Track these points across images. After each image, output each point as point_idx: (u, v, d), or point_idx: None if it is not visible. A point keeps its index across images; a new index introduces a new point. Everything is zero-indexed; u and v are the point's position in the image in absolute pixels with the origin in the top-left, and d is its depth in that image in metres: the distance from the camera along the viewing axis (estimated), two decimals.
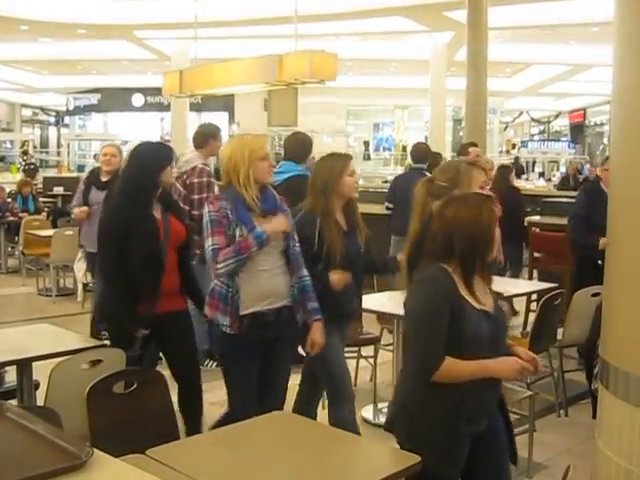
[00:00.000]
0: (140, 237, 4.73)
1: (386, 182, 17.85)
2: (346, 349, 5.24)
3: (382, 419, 5.61)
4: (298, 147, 7.20)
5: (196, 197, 6.92)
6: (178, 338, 4.98)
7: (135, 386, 3.82)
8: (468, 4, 15.13)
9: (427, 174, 9.17)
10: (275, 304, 4.35)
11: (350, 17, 18.89)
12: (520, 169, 23.96)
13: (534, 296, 7.98)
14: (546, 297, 6.05)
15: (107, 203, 6.17)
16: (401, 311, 3.55)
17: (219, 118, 32.08)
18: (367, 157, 33.68)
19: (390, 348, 6.29)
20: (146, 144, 5.29)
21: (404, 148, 32.44)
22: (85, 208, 7.75)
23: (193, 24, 14.58)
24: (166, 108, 26.15)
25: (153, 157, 4.94)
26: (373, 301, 5.83)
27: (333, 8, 17.87)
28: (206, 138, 7.29)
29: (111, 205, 5.22)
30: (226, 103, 29.56)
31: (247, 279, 4.27)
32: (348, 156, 5.02)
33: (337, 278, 4.68)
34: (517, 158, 27.60)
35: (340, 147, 29.81)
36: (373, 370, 6.74)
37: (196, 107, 27.12)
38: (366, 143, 34.37)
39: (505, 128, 37.43)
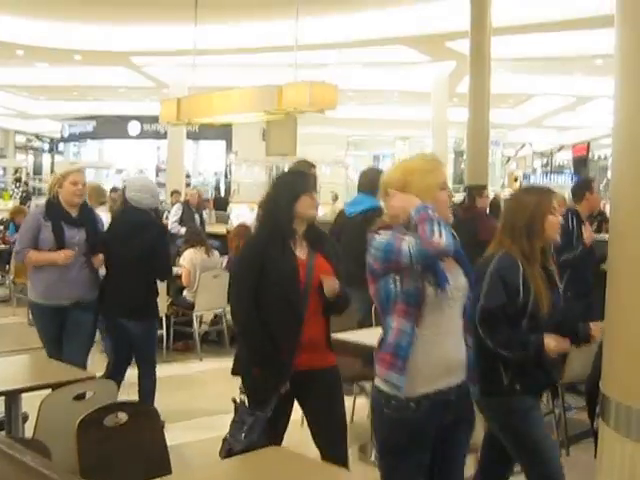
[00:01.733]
0: (274, 279, 4.20)
1: None
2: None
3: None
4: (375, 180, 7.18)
5: None
6: (321, 400, 4.35)
7: (127, 419, 3.73)
8: (471, 35, 14.94)
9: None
10: (459, 378, 3.50)
11: (351, 46, 18.71)
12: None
13: None
14: None
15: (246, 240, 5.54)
16: None
17: (217, 147, 31.99)
18: None
19: None
20: (285, 173, 4.90)
21: None
22: (69, 251, 6.13)
23: (192, 51, 14.32)
24: (163, 136, 25.96)
25: (287, 186, 4.42)
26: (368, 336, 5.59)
27: (334, 38, 17.66)
28: None
29: (247, 242, 4.74)
30: (224, 132, 29.39)
31: (427, 345, 3.38)
32: (551, 191, 4.34)
33: (555, 345, 3.91)
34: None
35: (339, 178, 29.61)
36: (370, 407, 6.42)
37: (193, 136, 26.96)
38: None
39: (507, 161, 37.22)
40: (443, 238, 3.17)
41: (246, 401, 4.29)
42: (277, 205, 4.31)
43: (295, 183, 4.42)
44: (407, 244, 3.23)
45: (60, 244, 6.14)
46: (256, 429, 4.13)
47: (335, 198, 23.64)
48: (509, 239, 4.06)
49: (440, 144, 22.43)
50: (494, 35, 15.01)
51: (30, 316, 6.81)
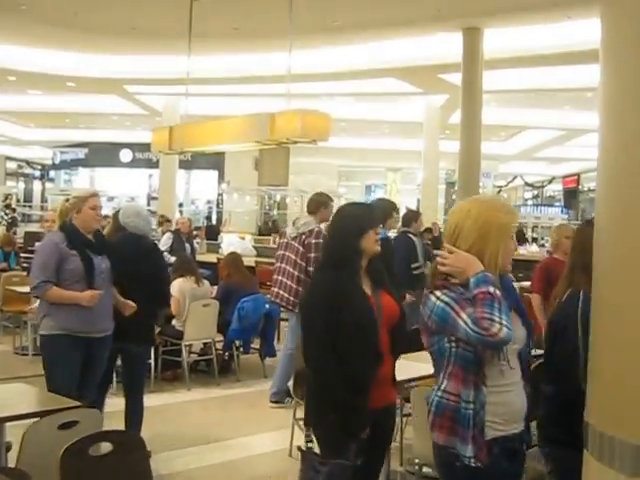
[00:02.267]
0: (353, 318, 3.90)
1: None
2: None
3: None
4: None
5: (312, 255, 7.72)
6: (386, 440, 4.25)
7: (112, 449, 3.62)
8: (463, 67, 15.06)
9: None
10: (520, 427, 3.33)
11: (344, 78, 18.81)
12: (522, 235, 23.46)
13: None
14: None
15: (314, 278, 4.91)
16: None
17: (209, 176, 32.02)
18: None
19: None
20: (348, 206, 4.54)
21: (397, 210, 32.16)
22: (96, 293, 5.58)
23: (185, 80, 14.34)
24: (155, 165, 25.97)
25: (354, 220, 4.12)
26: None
27: (327, 68, 17.75)
28: (318, 206, 8.14)
29: (316, 282, 4.29)
30: (216, 161, 29.46)
31: (496, 392, 3.21)
32: None
33: None
34: (519, 224, 27.08)
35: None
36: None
37: (185, 164, 26.98)
38: None
39: (499, 192, 37.34)
40: (503, 329, 3.01)
41: (316, 448, 4.00)
42: (345, 241, 4.04)
43: (361, 217, 4.16)
44: (464, 323, 3.07)
45: (91, 276, 5.68)
46: (337, 477, 3.85)
47: None
48: (585, 277, 3.62)
49: (431, 175, 22.48)
50: (486, 68, 15.13)
51: (40, 348, 6.13)
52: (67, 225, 5.75)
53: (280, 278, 7.89)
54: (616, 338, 3.07)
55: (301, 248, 7.85)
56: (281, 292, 7.85)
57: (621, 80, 2.80)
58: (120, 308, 5.95)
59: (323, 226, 8.00)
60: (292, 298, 7.72)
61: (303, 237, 7.88)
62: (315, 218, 8.06)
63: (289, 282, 7.79)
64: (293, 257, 7.81)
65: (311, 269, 7.57)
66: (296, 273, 7.75)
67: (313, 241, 7.81)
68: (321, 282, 4.10)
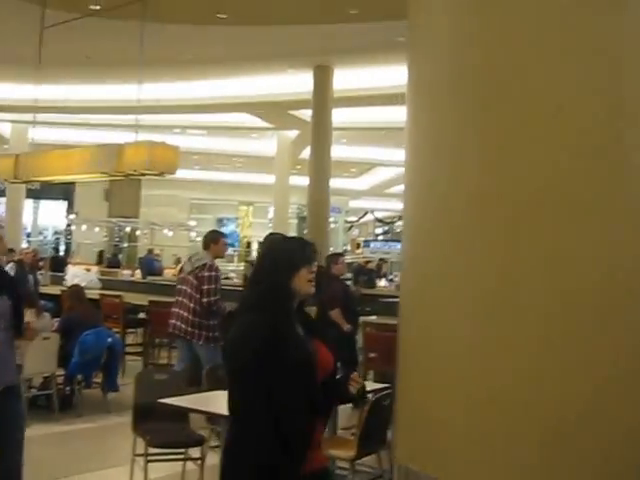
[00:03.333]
0: (290, 369, 3.31)
1: (227, 278, 17.45)
2: (172, 450, 5.08)
3: None
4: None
5: (205, 287, 8.29)
6: None
7: None
8: (313, 104, 15.30)
9: None
10: None
11: (196, 110, 18.80)
12: (380, 270, 23.80)
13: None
14: (375, 397, 5.80)
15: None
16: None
17: (58, 206, 31.34)
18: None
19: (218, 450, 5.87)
20: (279, 240, 4.07)
21: (248, 244, 32.23)
22: None
23: (32, 108, 14.05)
24: (1, 193, 25.20)
25: (286, 255, 3.58)
26: (202, 400, 5.61)
27: (179, 101, 17.73)
28: (208, 242, 8.66)
29: (242, 324, 3.52)
30: (66, 191, 28.86)
31: None
32: None
33: None
34: (381, 259, 27.30)
35: (182, 241, 29.43)
36: (200, 473, 6.29)
37: (34, 194, 26.28)
38: None
39: (350, 228, 37.92)
40: None
41: None
42: (276, 279, 3.50)
43: (294, 253, 3.59)
44: None
45: None
46: None
47: (177, 262, 23.40)
48: None
49: (282, 210, 22.71)
50: (336, 105, 15.43)
51: None
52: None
53: (177, 310, 8.42)
54: (420, 376, 3.15)
55: (195, 281, 8.37)
56: (178, 323, 8.35)
57: (422, 123, 2.94)
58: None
59: (216, 261, 8.79)
60: (189, 328, 8.27)
61: (197, 271, 8.41)
62: (208, 253, 8.60)
63: (185, 314, 8.31)
64: (189, 290, 8.34)
65: (205, 300, 8.25)
66: (191, 305, 8.28)
67: (206, 274, 8.37)
68: (251, 324, 3.44)
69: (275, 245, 3.85)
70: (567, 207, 2.89)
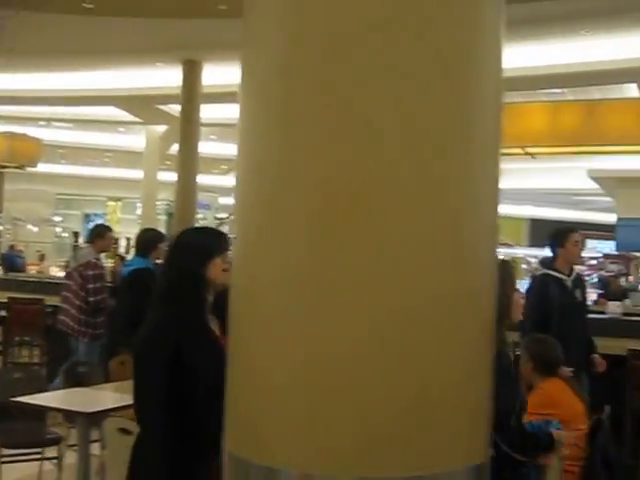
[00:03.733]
0: (202, 369, 3.16)
1: None
2: (28, 451, 5.16)
3: None
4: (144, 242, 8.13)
5: (91, 286, 8.15)
6: None
7: None
8: (182, 99, 15.17)
9: None
10: None
11: (61, 102, 18.33)
12: None
13: None
14: None
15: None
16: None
17: None
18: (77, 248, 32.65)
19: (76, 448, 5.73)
20: (190, 230, 4.02)
21: (116, 241, 31.72)
22: None
23: None
24: None
25: (196, 244, 3.53)
26: (59, 398, 5.60)
27: (42, 91, 17.26)
28: (94, 236, 8.58)
29: (149, 322, 3.44)
30: None
31: None
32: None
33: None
34: None
35: (47, 237, 28.75)
36: (58, 473, 6.24)
37: None
38: (76, 234, 33.36)
39: (219, 224, 37.77)
40: None
41: None
42: (186, 268, 3.41)
43: (207, 241, 3.53)
44: None
45: None
46: None
47: (41, 258, 22.82)
48: None
49: (150, 206, 22.40)
50: (205, 101, 15.33)
51: None
52: None
53: (65, 306, 8.39)
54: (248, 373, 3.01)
55: (80, 279, 8.28)
56: (66, 320, 8.29)
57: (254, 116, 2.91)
58: None
59: (102, 256, 8.86)
60: (76, 326, 8.19)
61: (81, 269, 8.32)
62: (92, 248, 8.53)
63: (72, 310, 8.25)
64: (74, 287, 8.30)
65: (92, 299, 8.16)
66: (77, 302, 8.22)
67: (90, 272, 8.26)
68: (157, 321, 3.37)
69: (187, 234, 3.80)
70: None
